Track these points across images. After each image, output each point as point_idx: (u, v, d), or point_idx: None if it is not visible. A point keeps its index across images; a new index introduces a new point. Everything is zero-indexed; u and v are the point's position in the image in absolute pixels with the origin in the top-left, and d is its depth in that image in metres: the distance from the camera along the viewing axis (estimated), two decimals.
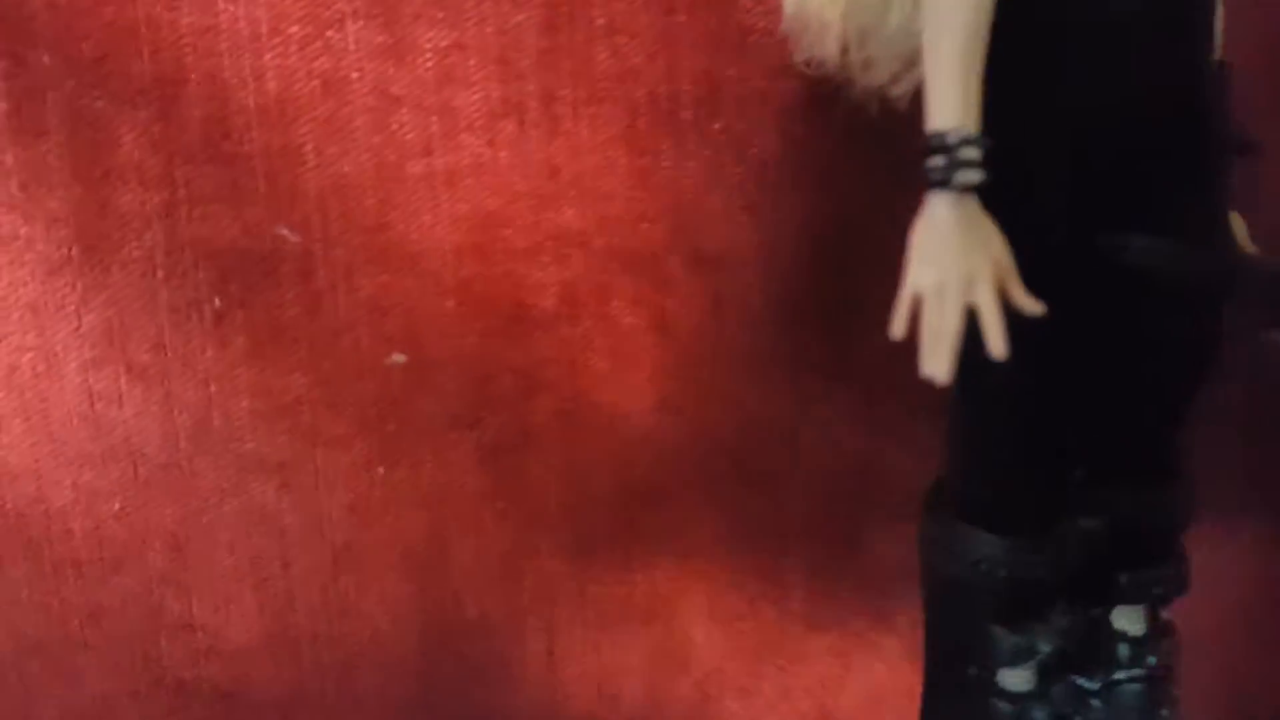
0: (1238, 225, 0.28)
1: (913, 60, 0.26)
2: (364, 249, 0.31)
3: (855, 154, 0.32)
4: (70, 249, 0.29)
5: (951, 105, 0.23)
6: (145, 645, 0.32)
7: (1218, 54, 0.26)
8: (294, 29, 0.30)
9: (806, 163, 0.32)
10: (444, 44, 0.31)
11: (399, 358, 0.31)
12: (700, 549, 0.35)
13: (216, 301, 0.30)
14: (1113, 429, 0.28)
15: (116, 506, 0.31)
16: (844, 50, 0.27)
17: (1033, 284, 0.24)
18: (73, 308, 0.29)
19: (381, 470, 0.32)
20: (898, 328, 0.24)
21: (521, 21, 0.31)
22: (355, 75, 0.30)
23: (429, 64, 0.31)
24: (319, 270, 0.31)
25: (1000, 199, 0.23)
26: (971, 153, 0.23)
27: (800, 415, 0.33)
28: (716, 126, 0.33)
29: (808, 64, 0.27)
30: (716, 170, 0.33)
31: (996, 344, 0.24)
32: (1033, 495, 0.27)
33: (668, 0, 0.32)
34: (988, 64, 0.23)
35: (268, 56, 0.30)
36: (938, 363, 0.24)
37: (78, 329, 0.29)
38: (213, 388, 0.31)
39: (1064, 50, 0.24)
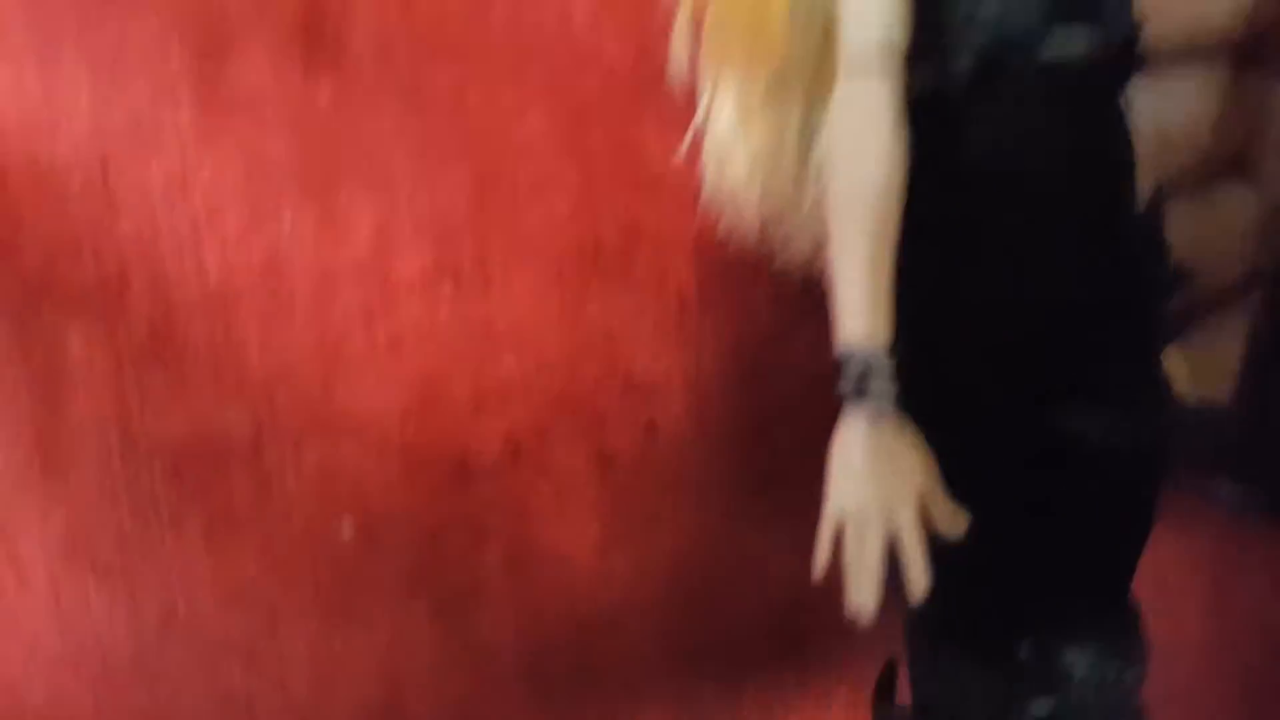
0: (1178, 366, 0.28)
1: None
2: (310, 423, 0.32)
3: (768, 277, 0.34)
4: (32, 460, 0.29)
5: (859, 317, 0.23)
6: None
7: (1149, 190, 0.27)
8: (231, 221, 0.31)
9: (725, 289, 0.35)
10: (378, 218, 0.32)
11: (347, 526, 0.32)
12: (654, 676, 0.36)
13: (173, 497, 0.31)
14: (1061, 589, 0.27)
15: (90, 703, 0.31)
16: (763, 227, 0.28)
17: (970, 468, 0.24)
18: (36, 517, 0.30)
19: (337, 642, 0.33)
20: (820, 559, 0.24)
21: (451, 188, 0.33)
22: (294, 257, 0.32)
23: (365, 238, 0.32)
24: (267, 450, 0.32)
25: (925, 396, 0.23)
26: (881, 373, 0.23)
27: (739, 535, 0.35)
28: (639, 266, 0.35)
29: (729, 235, 0.29)
30: (641, 306, 0.35)
31: (918, 578, 0.23)
32: (981, 687, 0.27)
33: (588, 156, 0.34)
34: (901, 261, 0.23)
35: (207, 250, 0.31)
36: (863, 595, 0.24)
37: (43, 536, 0.30)
38: (174, 577, 0.31)
39: (979, 244, 0.24)
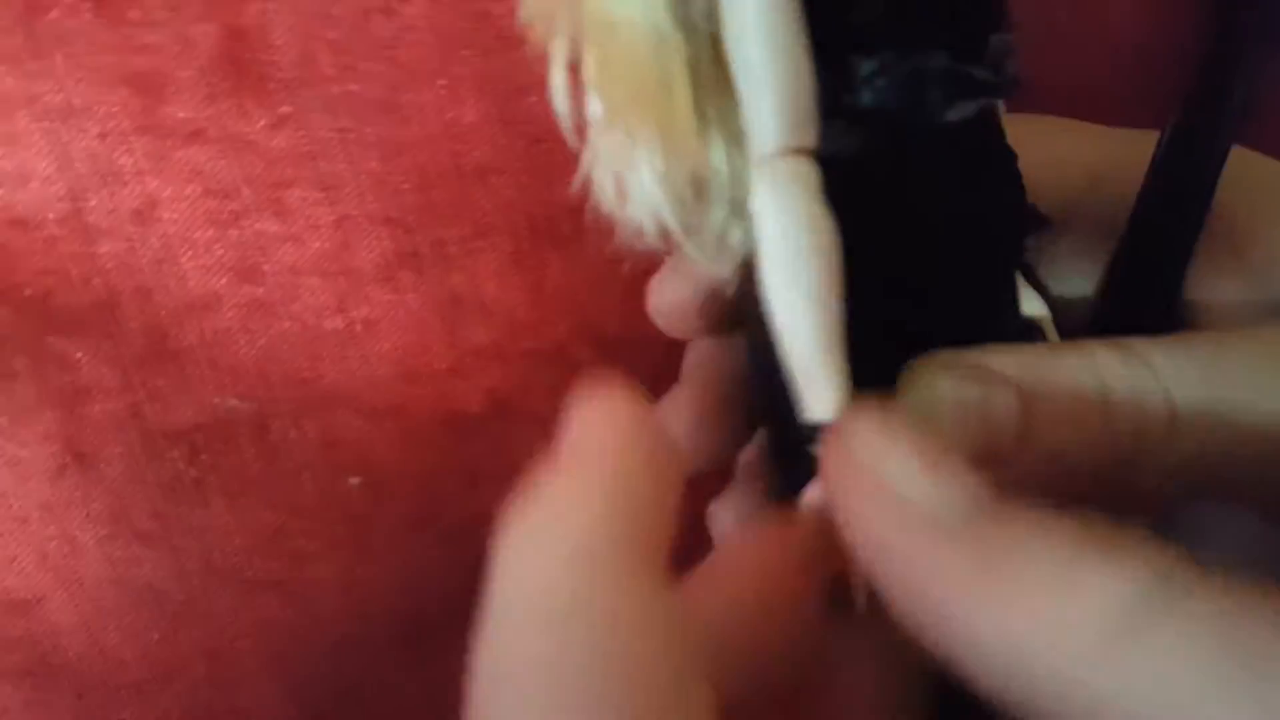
0: None
1: None
2: (305, 399, 0.36)
3: None
4: (65, 459, 0.35)
5: (825, 395, 0.23)
6: None
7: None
8: (199, 235, 0.34)
9: None
10: (333, 219, 0.34)
11: (355, 481, 0.36)
12: None
13: (194, 472, 0.35)
14: None
15: (156, 637, 0.37)
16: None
17: None
18: (79, 501, 0.35)
19: (359, 571, 0.37)
20: None
21: (398, 183, 0.34)
22: (262, 259, 0.34)
23: (323, 237, 0.34)
24: (271, 426, 0.36)
25: None
26: None
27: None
28: (594, 231, 0.35)
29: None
30: (602, 269, 0.36)
31: None
32: None
33: (529, 134, 0.34)
34: None
35: (184, 261, 0.34)
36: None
37: (88, 515, 0.35)
38: (207, 534, 0.36)
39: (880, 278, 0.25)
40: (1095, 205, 0.28)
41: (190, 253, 0.34)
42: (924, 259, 0.25)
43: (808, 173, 0.23)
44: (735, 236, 0.26)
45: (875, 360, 0.24)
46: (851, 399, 0.23)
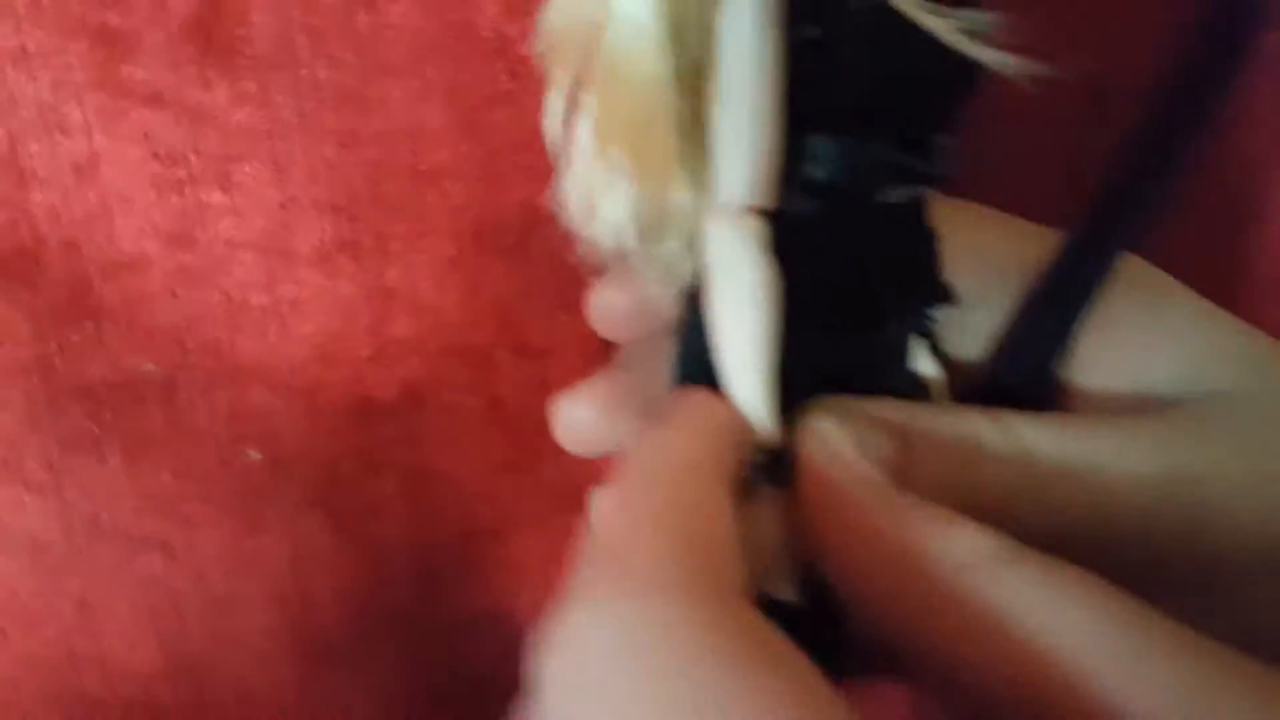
0: None
1: None
2: (218, 369, 0.36)
3: None
4: None
5: (765, 426, 0.26)
6: (65, 676, 0.39)
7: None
8: (138, 198, 0.33)
9: None
10: (279, 198, 0.34)
11: (255, 454, 0.36)
12: (530, 574, 0.41)
13: (95, 429, 0.35)
14: None
15: (30, 584, 0.37)
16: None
17: None
18: None
19: (247, 543, 0.37)
20: None
21: (350, 173, 0.34)
22: (198, 230, 0.34)
23: (266, 215, 0.34)
24: (179, 391, 0.35)
25: None
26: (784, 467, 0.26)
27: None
28: (535, 245, 0.36)
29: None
30: (536, 280, 0.37)
31: None
32: None
33: (489, 145, 0.35)
34: None
35: (118, 222, 0.33)
36: None
37: None
38: (99, 492, 0.36)
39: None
40: (1006, 291, 0.31)
41: (126, 213, 0.33)
42: (840, 313, 0.28)
43: (762, 229, 0.26)
44: (684, 267, 0.29)
45: (797, 393, 0.27)
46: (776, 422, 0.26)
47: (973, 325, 0.32)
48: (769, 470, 0.27)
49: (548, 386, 0.39)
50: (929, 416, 0.28)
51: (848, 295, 0.28)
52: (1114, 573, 0.30)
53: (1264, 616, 0.30)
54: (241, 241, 0.34)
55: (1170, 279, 0.32)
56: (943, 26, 0.23)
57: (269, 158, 0.33)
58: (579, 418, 0.34)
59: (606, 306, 0.33)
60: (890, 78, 0.25)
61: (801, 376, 0.27)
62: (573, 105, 0.27)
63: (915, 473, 0.27)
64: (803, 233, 0.27)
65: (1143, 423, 0.29)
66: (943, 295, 0.30)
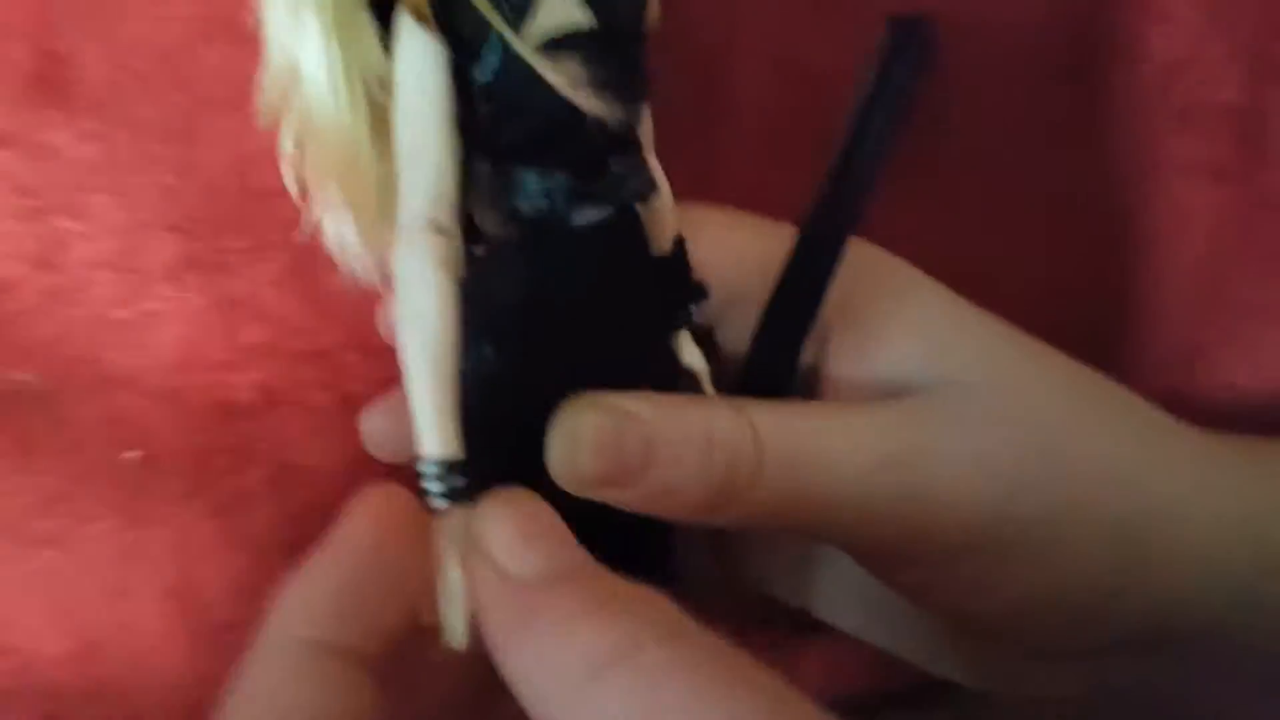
0: None
1: None
2: (91, 379, 0.40)
3: None
4: None
5: (433, 435, 0.28)
6: None
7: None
8: (3, 225, 0.38)
9: None
10: (127, 223, 0.38)
11: (133, 453, 0.41)
12: None
13: None
14: None
15: None
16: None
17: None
18: None
19: (133, 534, 0.42)
20: None
21: (192, 197, 0.39)
22: (59, 253, 0.38)
23: (117, 238, 0.38)
24: (56, 399, 0.40)
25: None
26: (457, 480, 0.28)
27: None
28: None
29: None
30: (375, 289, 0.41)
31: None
32: None
33: None
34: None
35: None
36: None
37: None
38: None
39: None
40: (762, 286, 0.34)
41: None
42: (568, 325, 0.31)
43: (440, 245, 0.29)
44: None
45: (533, 409, 0.30)
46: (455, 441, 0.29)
47: (736, 320, 0.35)
48: (451, 486, 0.28)
49: (395, 383, 0.43)
50: (674, 406, 0.30)
51: (593, 304, 0.31)
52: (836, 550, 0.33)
53: (953, 591, 0.32)
54: (99, 262, 0.39)
55: (917, 271, 0.35)
56: (554, 77, 0.27)
57: (114, 187, 0.38)
58: (380, 428, 0.38)
59: (388, 323, 0.37)
60: (547, 115, 0.28)
61: (535, 392, 0.30)
62: (300, 149, 0.31)
63: (657, 464, 0.29)
64: (515, 258, 0.30)
65: (874, 408, 0.32)
66: (695, 293, 0.33)
